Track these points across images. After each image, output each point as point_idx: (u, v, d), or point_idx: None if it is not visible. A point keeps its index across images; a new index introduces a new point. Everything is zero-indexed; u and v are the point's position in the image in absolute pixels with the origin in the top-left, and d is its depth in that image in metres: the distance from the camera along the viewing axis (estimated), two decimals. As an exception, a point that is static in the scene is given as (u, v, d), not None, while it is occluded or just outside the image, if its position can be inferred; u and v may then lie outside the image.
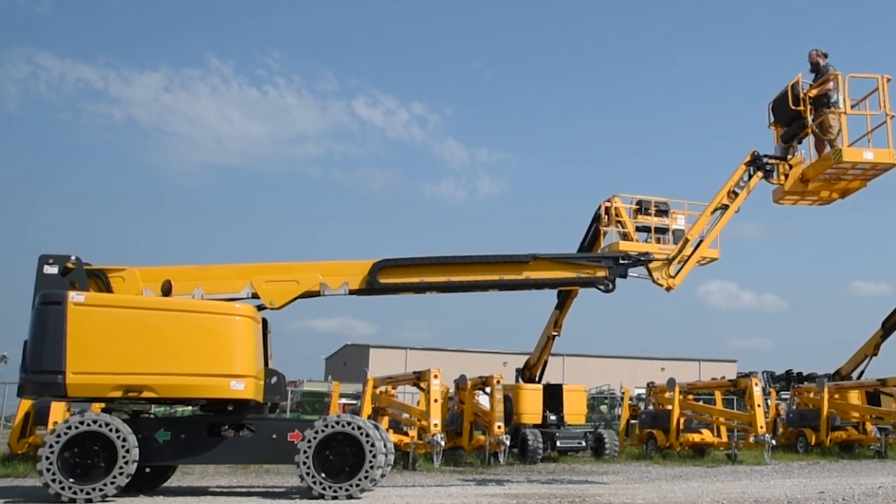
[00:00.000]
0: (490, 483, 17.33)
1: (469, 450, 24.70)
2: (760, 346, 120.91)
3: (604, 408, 47.49)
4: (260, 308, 14.70)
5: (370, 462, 13.16)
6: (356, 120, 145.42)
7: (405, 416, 25.25)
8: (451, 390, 26.84)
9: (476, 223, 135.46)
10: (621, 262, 16.42)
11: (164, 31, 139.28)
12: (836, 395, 30.72)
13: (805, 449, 29.82)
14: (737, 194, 17.18)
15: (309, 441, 13.26)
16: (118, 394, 12.98)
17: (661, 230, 22.61)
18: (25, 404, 21.21)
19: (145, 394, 13.08)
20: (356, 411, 25.92)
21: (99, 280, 13.92)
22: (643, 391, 32.82)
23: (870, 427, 29.88)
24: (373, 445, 13.21)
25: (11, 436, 21.42)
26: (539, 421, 26.19)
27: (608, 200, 21.67)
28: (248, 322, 13.81)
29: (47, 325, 12.83)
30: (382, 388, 27.54)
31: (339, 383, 32.71)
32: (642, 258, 16.72)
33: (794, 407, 32.24)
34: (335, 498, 13.04)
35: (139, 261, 13.93)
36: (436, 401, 22.50)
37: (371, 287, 15.33)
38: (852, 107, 16.96)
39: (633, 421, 31.92)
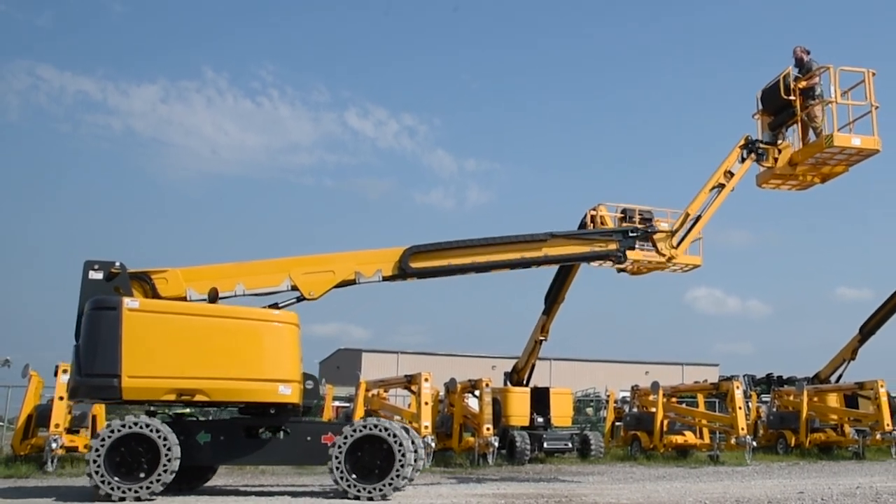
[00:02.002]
0: (479, 483, 17.40)
1: (459, 451, 24.78)
2: (743, 351, 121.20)
3: (590, 410, 47.51)
4: (299, 299, 14.79)
5: (400, 463, 13.20)
6: (348, 130, 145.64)
7: (396, 418, 25.28)
8: (442, 393, 26.90)
9: (465, 231, 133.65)
10: (630, 234, 17.12)
11: (160, 44, 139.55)
12: (815, 398, 30.81)
13: (785, 450, 29.90)
14: (732, 174, 17.83)
15: (340, 444, 13.32)
16: (171, 397, 13.09)
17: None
18: (28, 406, 21.24)
19: (198, 397, 13.19)
20: (349, 414, 25.98)
21: (144, 283, 13.91)
22: (628, 394, 32.85)
23: (848, 429, 30.02)
24: (401, 446, 13.25)
25: (14, 437, 21.45)
26: (527, 423, 26.25)
27: (594, 209, 21.66)
28: (294, 329, 13.95)
29: (102, 330, 12.87)
30: (375, 392, 27.68)
31: (333, 386, 32.78)
32: (649, 230, 17.31)
33: (775, 409, 32.31)
34: (370, 499, 13.10)
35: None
36: (426, 403, 22.57)
37: (404, 272, 15.48)
38: (847, 93, 17.61)
39: (618, 423, 31.96)
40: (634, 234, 17.08)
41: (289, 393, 13.49)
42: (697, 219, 17.69)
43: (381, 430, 13.40)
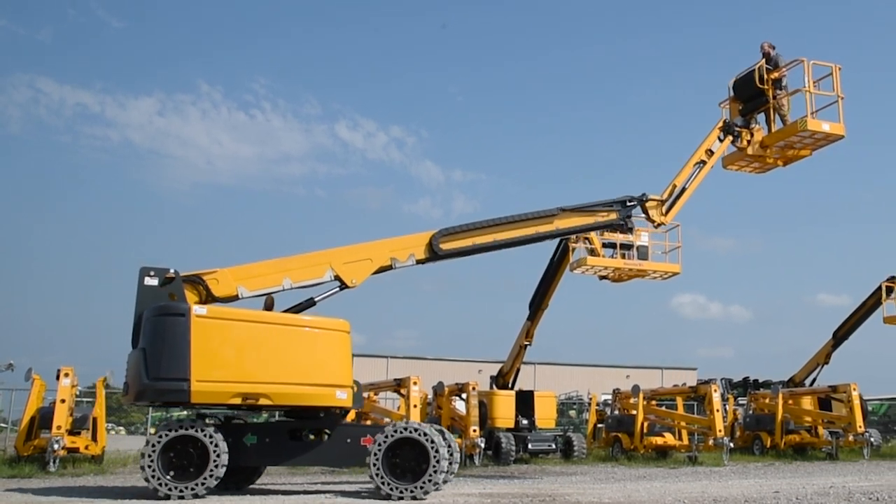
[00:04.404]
0: (466, 483, 17.45)
1: (446, 452, 24.83)
2: (724, 355, 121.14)
3: (572, 413, 47.53)
4: (342, 288, 14.87)
5: (434, 466, 13.19)
6: (338, 142, 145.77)
7: (386, 420, 25.39)
8: (430, 396, 26.99)
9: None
10: (628, 204, 17.56)
11: (156, 58, 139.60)
12: (790, 401, 31.05)
13: (761, 451, 30.11)
14: (712, 152, 18.61)
15: (379, 446, 13.34)
16: (237, 400, 13.10)
17: (626, 246, 22.79)
18: (31, 409, 21.26)
19: (262, 401, 13.21)
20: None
21: (197, 285, 13.93)
22: (609, 397, 32.96)
23: (821, 431, 30.23)
24: (437, 451, 13.23)
25: (18, 438, 21.42)
26: (512, 425, 26.41)
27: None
28: (346, 336, 14.02)
29: (169, 336, 12.85)
30: (365, 395, 27.67)
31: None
32: (643, 199, 17.70)
33: (751, 412, 32.50)
34: (401, 499, 13.08)
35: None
36: (415, 406, 22.66)
37: (435, 254, 15.71)
38: (817, 83, 18.61)
39: (599, 425, 32.05)
40: (632, 204, 17.57)
41: (345, 398, 13.62)
42: (683, 190, 18.22)
43: (417, 434, 13.42)
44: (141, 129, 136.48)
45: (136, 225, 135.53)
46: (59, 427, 19.77)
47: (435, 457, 13.22)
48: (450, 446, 13.91)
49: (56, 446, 19.42)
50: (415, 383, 23.13)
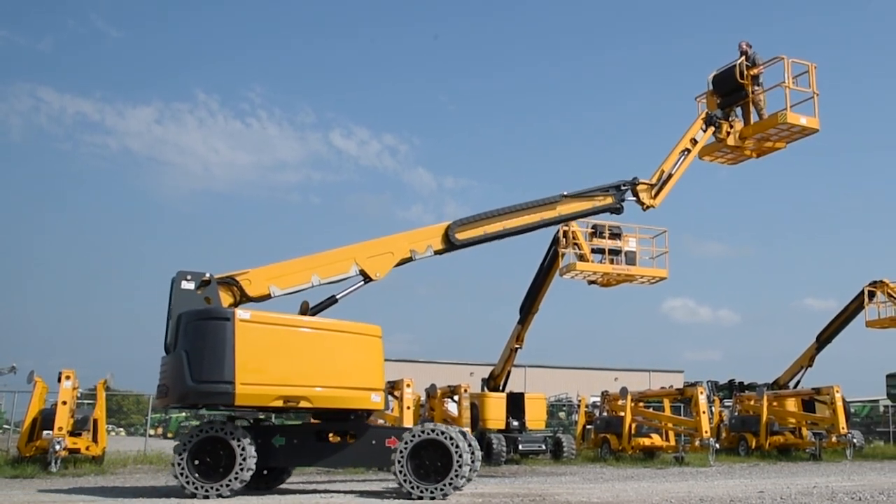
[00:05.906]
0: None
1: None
2: (712, 358, 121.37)
3: (562, 414, 47.62)
4: (366, 281, 14.97)
5: (458, 464, 13.22)
6: (332, 149, 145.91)
7: (380, 422, 25.43)
8: (423, 398, 27.05)
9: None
10: (622, 188, 17.87)
11: (154, 67, 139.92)
12: (775, 403, 31.21)
13: (746, 452, 30.27)
14: (696, 142, 18.91)
15: (402, 448, 13.37)
16: (279, 403, 13.18)
17: (615, 252, 22.95)
18: (33, 410, 21.31)
19: (302, 404, 13.28)
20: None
21: (231, 286, 13.99)
22: (598, 399, 33.06)
23: (805, 432, 30.42)
24: (457, 448, 13.27)
25: (20, 439, 21.48)
26: (503, 426, 26.50)
27: (566, 225, 21.95)
28: (379, 341, 14.15)
29: (213, 339, 12.84)
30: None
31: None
32: (634, 182, 17.96)
33: (736, 413, 32.68)
34: (432, 498, 13.10)
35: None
36: (408, 408, 22.73)
37: (451, 244, 15.92)
38: (795, 80, 18.91)
39: (588, 426, 32.13)
40: (625, 188, 17.85)
41: (378, 401, 13.77)
42: (670, 176, 18.43)
43: (439, 434, 13.47)
44: (139, 136, 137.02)
45: (135, 231, 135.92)
46: (60, 428, 19.86)
47: (458, 458, 13.27)
48: (470, 445, 13.91)
49: (57, 447, 19.49)
50: (408, 385, 23.21)
